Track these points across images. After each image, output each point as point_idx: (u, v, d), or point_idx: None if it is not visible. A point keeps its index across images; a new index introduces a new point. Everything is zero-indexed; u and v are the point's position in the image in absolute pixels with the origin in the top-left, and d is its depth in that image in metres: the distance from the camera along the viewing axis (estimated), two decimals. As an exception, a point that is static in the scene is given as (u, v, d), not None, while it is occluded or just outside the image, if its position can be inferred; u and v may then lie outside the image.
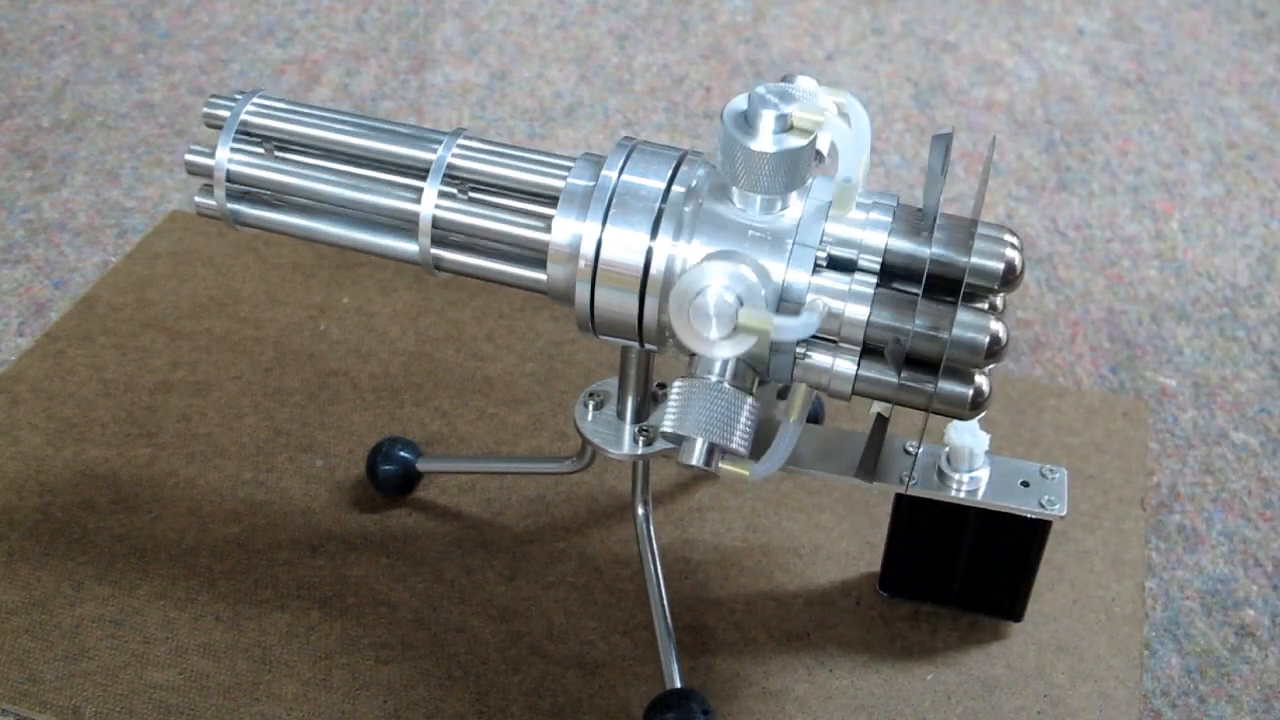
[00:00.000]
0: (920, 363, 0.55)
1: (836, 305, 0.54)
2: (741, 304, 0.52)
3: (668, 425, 0.54)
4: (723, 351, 0.53)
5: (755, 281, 0.52)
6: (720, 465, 0.54)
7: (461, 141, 0.60)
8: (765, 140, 0.53)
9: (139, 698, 0.67)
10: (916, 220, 0.56)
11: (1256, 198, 1.09)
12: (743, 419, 0.54)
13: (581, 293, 0.57)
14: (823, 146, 0.61)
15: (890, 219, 0.56)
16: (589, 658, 0.70)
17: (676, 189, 0.56)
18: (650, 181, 0.57)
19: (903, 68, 1.24)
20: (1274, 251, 1.03)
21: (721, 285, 0.52)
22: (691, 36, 1.27)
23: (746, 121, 0.54)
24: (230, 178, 0.61)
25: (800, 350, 0.56)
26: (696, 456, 0.54)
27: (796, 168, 0.54)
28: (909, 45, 1.27)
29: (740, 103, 0.54)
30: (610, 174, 0.57)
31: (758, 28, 1.29)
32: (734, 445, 0.54)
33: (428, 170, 0.59)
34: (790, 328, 0.52)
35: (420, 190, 0.59)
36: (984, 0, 1.35)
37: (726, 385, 0.55)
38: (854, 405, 0.85)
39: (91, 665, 0.68)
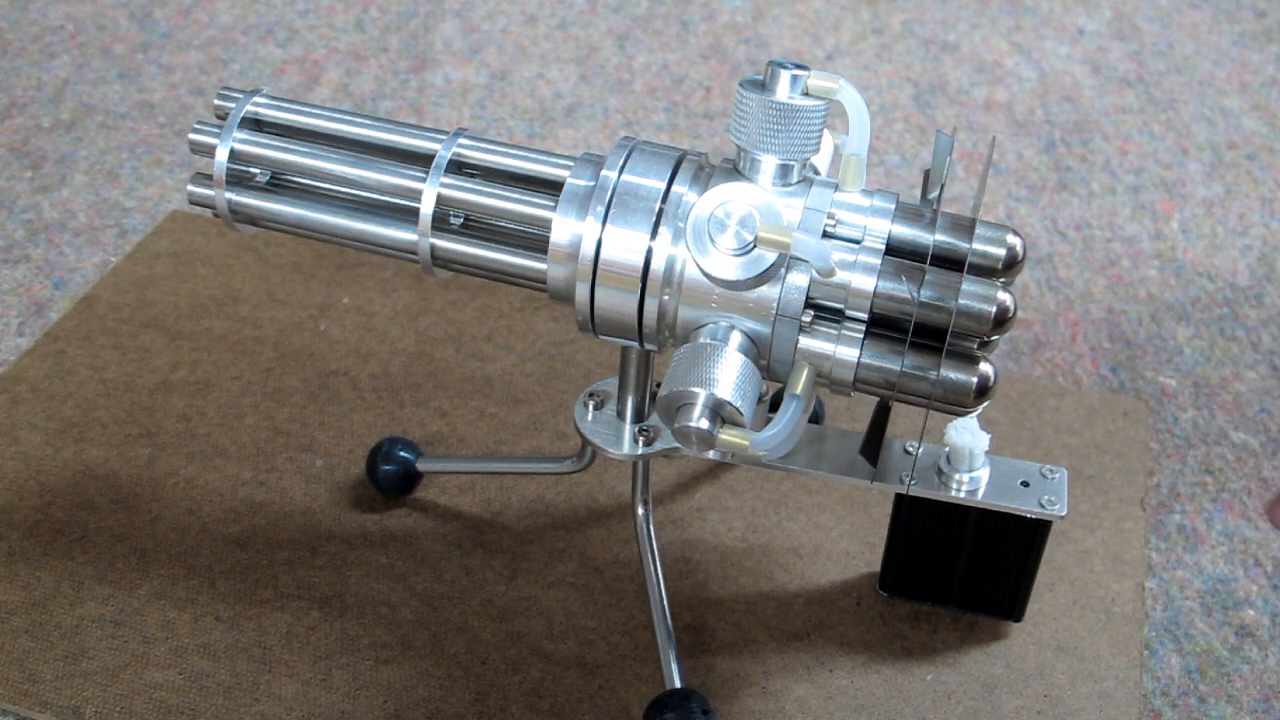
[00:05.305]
0: (927, 346, 0.55)
1: (844, 276, 0.55)
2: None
3: (668, 386, 0.54)
4: (736, 271, 0.54)
5: (774, 203, 0.54)
6: (721, 435, 0.54)
7: (463, 140, 0.60)
8: (782, 95, 0.54)
9: (139, 698, 0.67)
10: (918, 211, 0.56)
11: (1256, 198, 1.09)
12: (744, 378, 0.54)
13: (581, 293, 0.57)
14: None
15: (893, 208, 0.56)
16: (589, 658, 0.70)
17: (676, 189, 0.57)
18: (650, 181, 0.57)
19: (903, 68, 1.24)
20: (1274, 251, 1.03)
21: (745, 200, 0.54)
22: (691, 36, 1.27)
23: (764, 86, 0.55)
24: (234, 156, 0.61)
25: (801, 332, 0.56)
26: (696, 415, 0.53)
27: (810, 128, 0.54)
28: (909, 45, 1.27)
29: (757, 75, 0.56)
30: (610, 174, 0.57)
31: (758, 28, 1.29)
32: (733, 400, 0.53)
33: (430, 160, 0.59)
34: (810, 246, 0.53)
35: (424, 174, 0.59)
36: (984, 0, 1.35)
37: (728, 348, 0.55)
38: (854, 406, 0.85)
39: (91, 665, 0.68)
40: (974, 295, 0.55)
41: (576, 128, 1.14)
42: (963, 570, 0.71)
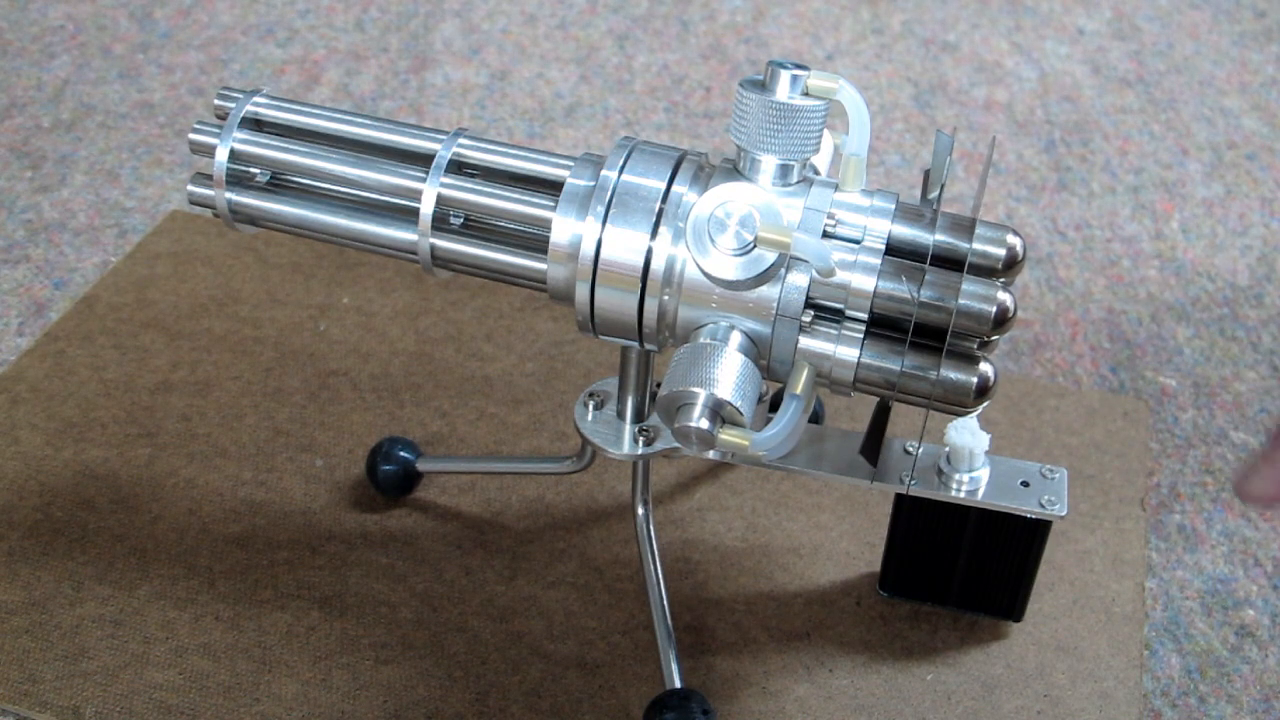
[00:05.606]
0: (927, 346, 0.55)
1: (844, 276, 0.55)
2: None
3: (668, 386, 0.54)
4: (736, 271, 0.54)
5: (774, 203, 0.54)
6: (721, 435, 0.54)
7: (463, 140, 0.60)
8: (782, 95, 0.54)
9: (139, 698, 0.67)
10: (918, 211, 0.56)
11: (1256, 198, 1.09)
12: (744, 378, 0.54)
13: (581, 293, 0.57)
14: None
15: (893, 208, 0.56)
16: (589, 658, 0.70)
17: (676, 189, 0.57)
18: (650, 181, 0.57)
19: (903, 68, 1.24)
20: (1274, 251, 1.03)
21: (745, 200, 0.54)
22: (691, 36, 1.27)
23: (764, 86, 0.55)
24: (234, 156, 0.61)
25: (801, 332, 0.56)
26: (696, 415, 0.53)
27: (810, 128, 0.54)
28: (909, 45, 1.27)
29: (757, 75, 0.56)
30: (610, 174, 0.57)
31: (758, 28, 1.29)
32: (733, 400, 0.53)
33: (430, 160, 0.59)
34: (810, 246, 0.53)
35: (424, 174, 0.59)
36: (984, 0, 1.35)
37: (728, 348, 0.55)
38: (854, 406, 0.85)
39: (91, 665, 0.68)
40: (974, 295, 0.55)
41: (576, 128, 1.14)
42: (963, 570, 0.71)
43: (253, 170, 0.62)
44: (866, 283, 0.55)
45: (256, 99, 0.62)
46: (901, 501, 0.70)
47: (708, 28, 1.29)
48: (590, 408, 0.68)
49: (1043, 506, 0.67)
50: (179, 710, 0.66)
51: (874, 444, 0.61)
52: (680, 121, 1.15)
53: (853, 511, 0.79)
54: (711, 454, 0.66)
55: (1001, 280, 0.55)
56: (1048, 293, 0.98)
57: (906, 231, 0.56)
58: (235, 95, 0.62)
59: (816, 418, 0.81)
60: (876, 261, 0.55)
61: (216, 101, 0.62)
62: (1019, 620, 0.72)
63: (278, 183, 0.62)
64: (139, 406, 0.84)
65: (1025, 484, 0.68)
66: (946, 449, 0.67)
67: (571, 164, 0.59)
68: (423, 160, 0.60)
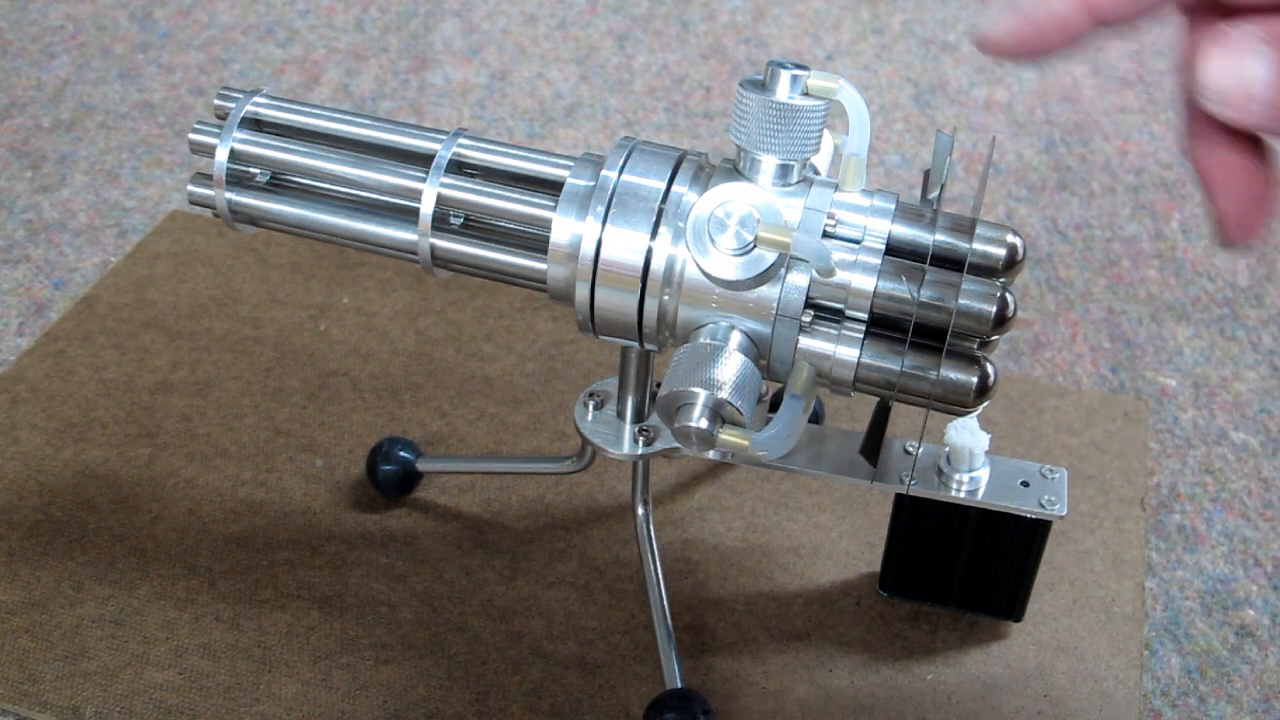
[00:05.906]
0: (927, 346, 0.55)
1: (844, 276, 0.55)
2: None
3: (668, 387, 0.54)
4: (736, 271, 0.54)
5: (774, 203, 0.54)
6: (721, 435, 0.54)
7: (463, 140, 0.60)
8: (782, 95, 0.54)
9: (139, 698, 0.67)
10: (918, 211, 0.56)
11: (1256, 198, 1.09)
12: (744, 378, 0.54)
13: (581, 293, 0.57)
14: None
15: (893, 207, 0.56)
16: (589, 658, 0.70)
17: (676, 189, 0.57)
18: (650, 181, 0.57)
19: (903, 68, 1.24)
20: (1274, 251, 1.03)
21: (745, 200, 0.54)
22: (691, 36, 1.27)
23: (764, 86, 0.55)
24: (234, 156, 0.61)
25: (801, 332, 0.56)
26: (696, 415, 0.54)
27: (810, 128, 0.54)
28: (909, 45, 1.27)
29: (757, 75, 0.55)
30: (610, 174, 0.57)
31: (758, 28, 1.29)
32: (733, 400, 0.53)
33: (430, 160, 0.59)
34: (810, 246, 0.53)
35: (424, 174, 0.59)
36: (984, 0, 1.35)
37: (728, 348, 0.55)
38: (854, 406, 0.85)
39: (91, 665, 0.68)
40: (974, 295, 0.55)
41: (576, 128, 1.14)
42: (963, 570, 0.71)
43: (253, 170, 0.62)
44: (866, 283, 0.55)
45: (256, 99, 0.62)
46: (901, 501, 0.70)
47: (708, 28, 1.29)
48: (590, 408, 0.68)
49: (1043, 506, 0.67)
50: (179, 710, 0.66)
51: (874, 444, 0.61)
52: (680, 121, 1.15)
53: (853, 511, 0.79)
54: (711, 454, 0.66)
55: (1002, 280, 0.55)
56: (1048, 293, 0.98)
57: (906, 231, 0.56)
58: (235, 95, 0.62)
59: (816, 418, 0.81)
60: (876, 261, 0.55)
61: (216, 101, 0.62)
62: (1019, 620, 0.72)
63: (278, 183, 0.62)
64: (139, 406, 0.84)
65: (1025, 484, 0.68)
66: (946, 449, 0.67)
67: (571, 164, 0.59)
68: (423, 160, 0.60)
